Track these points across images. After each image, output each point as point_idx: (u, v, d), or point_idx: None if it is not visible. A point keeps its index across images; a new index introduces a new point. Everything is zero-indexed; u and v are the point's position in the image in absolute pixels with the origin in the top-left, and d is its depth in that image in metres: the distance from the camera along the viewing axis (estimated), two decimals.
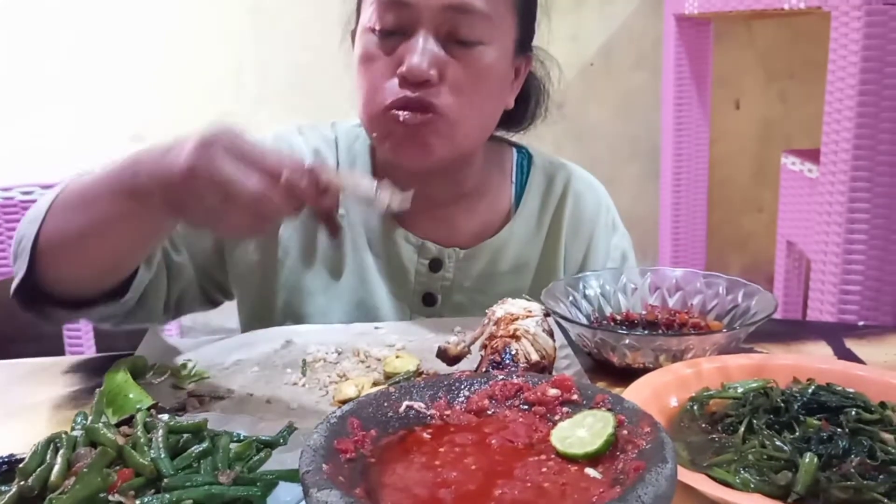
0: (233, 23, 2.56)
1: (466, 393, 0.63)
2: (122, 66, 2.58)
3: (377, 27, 0.97)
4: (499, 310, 0.86)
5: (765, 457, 0.63)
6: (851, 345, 0.95)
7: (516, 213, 1.14)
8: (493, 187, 1.15)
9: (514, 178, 1.17)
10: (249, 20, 2.57)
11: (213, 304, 1.15)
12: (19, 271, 0.89)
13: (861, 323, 1.04)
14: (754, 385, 0.74)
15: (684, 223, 2.70)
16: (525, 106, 1.14)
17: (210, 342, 1.00)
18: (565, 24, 2.71)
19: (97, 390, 0.80)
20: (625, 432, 0.55)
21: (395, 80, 0.96)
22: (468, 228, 1.13)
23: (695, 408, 0.73)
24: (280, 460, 0.68)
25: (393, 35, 0.97)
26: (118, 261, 0.90)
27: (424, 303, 1.12)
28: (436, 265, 1.11)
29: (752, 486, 0.61)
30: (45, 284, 0.90)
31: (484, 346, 0.82)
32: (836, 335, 0.98)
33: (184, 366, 0.91)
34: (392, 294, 1.12)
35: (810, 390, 0.71)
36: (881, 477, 0.60)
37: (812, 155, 1.93)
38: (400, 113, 0.95)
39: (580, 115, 2.77)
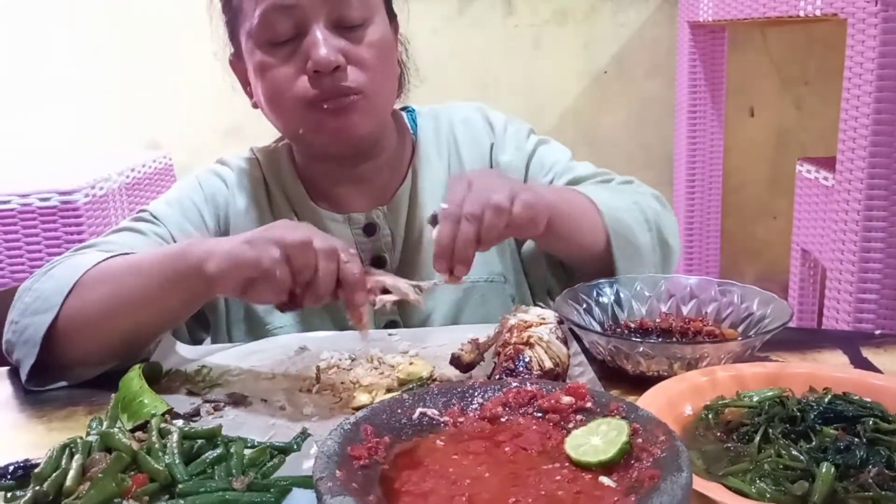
0: None
1: (480, 400, 0.63)
2: (138, 74, 2.61)
3: (268, 38, 1.02)
4: (512, 317, 0.85)
5: (781, 466, 0.63)
6: (868, 353, 0.94)
7: (415, 153, 1.18)
8: (401, 149, 1.19)
9: (412, 132, 1.22)
10: None
11: (196, 342, 1.15)
12: (28, 358, 0.91)
13: (877, 331, 1.03)
14: (770, 394, 0.73)
15: (698, 231, 2.69)
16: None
17: (224, 349, 1.00)
18: (579, 33, 2.71)
19: (112, 396, 0.80)
20: (639, 440, 0.55)
21: (304, 78, 1.01)
22: (390, 190, 1.16)
23: (710, 416, 0.72)
24: (294, 466, 0.68)
25: (285, 43, 1.02)
26: (160, 325, 0.95)
27: (376, 266, 1.12)
28: (370, 229, 1.14)
29: (769, 495, 0.60)
30: (61, 362, 0.92)
31: (497, 354, 0.82)
32: (852, 344, 0.97)
33: (198, 372, 0.91)
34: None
35: (826, 399, 0.70)
36: None
37: (827, 163, 1.92)
38: (324, 103, 1.01)
39: (594, 122, 2.77)
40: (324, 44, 0.99)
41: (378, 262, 1.14)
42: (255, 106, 1.12)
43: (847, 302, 1.72)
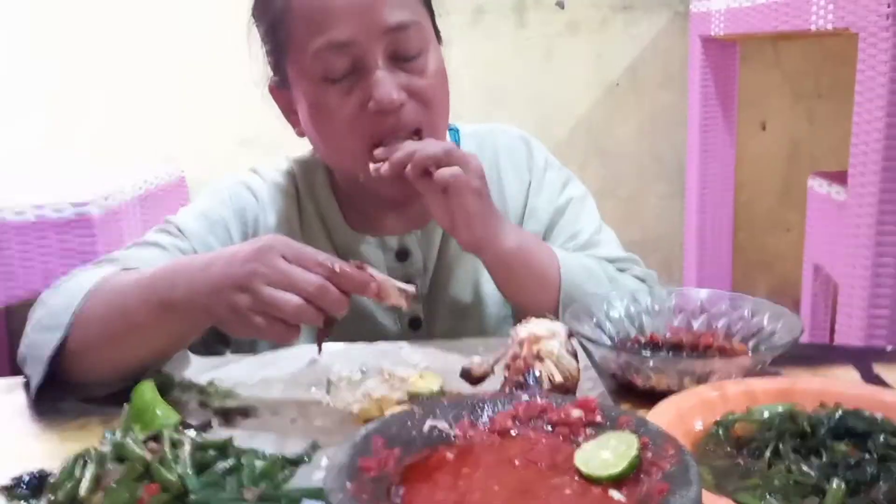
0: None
1: (490, 413, 0.63)
2: (150, 87, 2.63)
3: (324, 76, 0.99)
4: (522, 330, 0.86)
5: (791, 482, 0.63)
6: (879, 369, 0.93)
7: None
8: None
9: None
10: None
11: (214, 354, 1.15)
12: (35, 376, 0.90)
13: (889, 347, 1.03)
14: (780, 409, 0.73)
15: (710, 244, 2.68)
16: None
17: (236, 360, 1.01)
18: (591, 44, 2.72)
19: (125, 406, 0.80)
20: (649, 455, 0.55)
21: (363, 118, 0.99)
22: (427, 214, 1.11)
23: (720, 431, 0.72)
24: (305, 478, 0.68)
25: (342, 79, 0.99)
26: (155, 358, 0.93)
27: None
28: (402, 254, 1.13)
29: None
30: (70, 379, 0.92)
31: (507, 367, 0.82)
32: (863, 359, 0.96)
33: (210, 383, 0.92)
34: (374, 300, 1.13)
35: (837, 415, 0.70)
36: None
37: (839, 177, 1.91)
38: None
39: (605, 134, 2.78)
40: (386, 82, 0.97)
41: None
42: (301, 135, 1.11)
43: (859, 318, 1.71)
